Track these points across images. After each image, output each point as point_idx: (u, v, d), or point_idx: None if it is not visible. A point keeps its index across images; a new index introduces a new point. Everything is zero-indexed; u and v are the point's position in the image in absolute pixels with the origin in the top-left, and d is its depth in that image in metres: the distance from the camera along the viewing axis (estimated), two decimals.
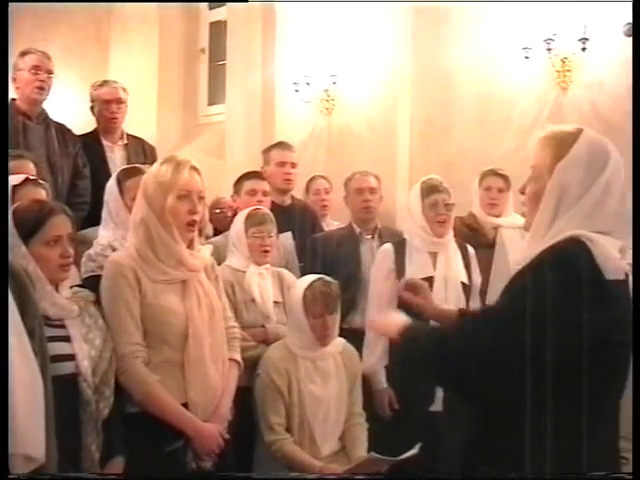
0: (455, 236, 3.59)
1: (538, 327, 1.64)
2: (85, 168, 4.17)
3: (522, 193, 1.94)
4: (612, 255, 1.71)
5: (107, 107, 4.33)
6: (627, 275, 1.78)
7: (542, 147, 1.87)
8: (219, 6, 7.01)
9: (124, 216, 2.90)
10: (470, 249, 3.62)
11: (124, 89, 4.43)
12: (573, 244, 1.71)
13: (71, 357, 2.32)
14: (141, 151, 4.41)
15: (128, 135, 4.45)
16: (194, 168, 2.63)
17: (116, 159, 4.28)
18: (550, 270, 1.67)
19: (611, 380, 1.76)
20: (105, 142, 4.34)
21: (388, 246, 3.58)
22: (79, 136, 4.41)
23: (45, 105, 4.20)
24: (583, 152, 1.81)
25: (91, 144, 4.31)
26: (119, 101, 4.37)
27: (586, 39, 4.44)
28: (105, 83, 4.43)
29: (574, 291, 1.65)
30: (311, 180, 4.88)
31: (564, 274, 1.66)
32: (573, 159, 1.80)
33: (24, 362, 1.83)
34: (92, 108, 4.41)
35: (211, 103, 7.12)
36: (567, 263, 1.68)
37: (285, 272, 3.46)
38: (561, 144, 1.83)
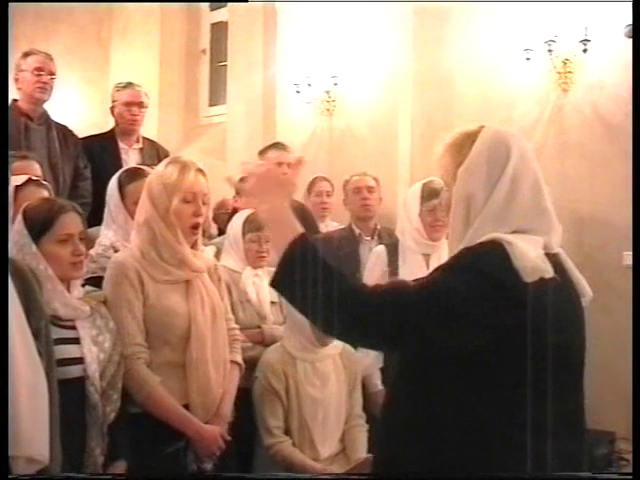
0: None
1: (447, 329, 1.59)
2: (86, 169, 4.16)
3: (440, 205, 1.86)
4: (530, 257, 1.63)
5: (129, 109, 4.32)
6: (556, 272, 1.70)
7: (443, 155, 1.81)
8: (220, 7, 7.01)
9: (123, 219, 2.90)
10: None
11: (146, 94, 4.45)
12: (490, 247, 1.64)
13: (79, 360, 2.31)
14: (155, 155, 4.39)
15: (144, 139, 4.46)
16: (200, 170, 2.62)
17: (130, 162, 4.26)
18: (465, 273, 1.61)
19: (548, 382, 1.65)
20: (121, 144, 4.34)
21: (381, 248, 3.58)
22: (95, 135, 4.42)
23: (46, 105, 4.19)
24: (482, 152, 1.72)
25: (106, 145, 4.32)
26: (141, 105, 4.38)
27: (587, 40, 4.44)
28: (129, 85, 4.43)
29: (489, 295, 1.58)
30: (313, 181, 4.88)
31: (479, 278, 1.60)
32: (472, 161, 1.73)
33: (28, 363, 1.83)
34: (112, 109, 4.40)
35: (212, 104, 7.12)
36: (482, 267, 1.61)
37: None
38: (460, 148, 1.76)
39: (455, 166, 1.76)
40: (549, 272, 1.65)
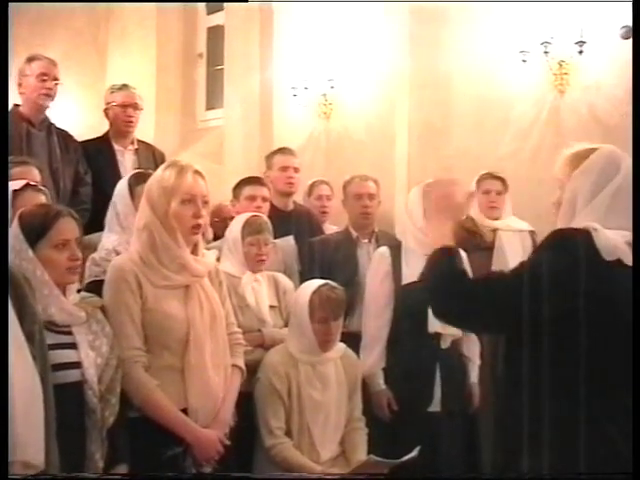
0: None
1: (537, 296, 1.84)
2: (87, 175, 4.16)
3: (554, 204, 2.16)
4: (611, 238, 1.87)
5: (124, 110, 4.32)
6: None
7: (565, 162, 2.09)
8: (217, 11, 7.02)
9: (132, 220, 2.90)
10: (462, 253, 3.62)
11: (140, 97, 4.45)
12: (576, 230, 1.90)
13: (77, 365, 2.32)
14: (151, 157, 4.41)
15: (139, 141, 4.46)
16: (198, 172, 2.63)
17: (126, 164, 4.28)
18: (549, 248, 1.89)
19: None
20: (116, 146, 4.34)
21: (384, 249, 3.59)
22: (90, 140, 4.42)
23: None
24: (597, 161, 2.02)
25: (102, 148, 4.32)
26: (136, 106, 4.38)
27: (583, 42, 4.45)
28: (124, 87, 4.43)
29: (572, 267, 1.83)
30: (313, 185, 4.87)
31: (564, 253, 1.86)
32: (588, 166, 2.02)
33: (22, 368, 1.83)
34: (106, 111, 4.39)
35: (209, 108, 7.12)
36: (567, 243, 1.87)
37: (280, 276, 3.45)
38: (580, 157, 2.05)
39: (572, 169, 2.05)
40: (628, 258, 1.89)
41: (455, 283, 2.04)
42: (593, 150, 2.06)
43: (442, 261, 2.11)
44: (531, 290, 1.86)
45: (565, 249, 1.88)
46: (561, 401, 1.84)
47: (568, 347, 1.85)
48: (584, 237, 1.88)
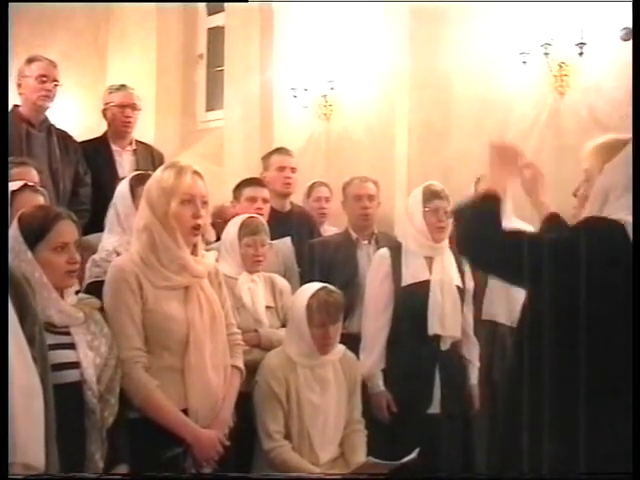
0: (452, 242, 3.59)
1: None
2: (86, 175, 4.16)
3: (575, 195, 2.15)
4: None
5: (122, 111, 4.32)
6: None
7: (594, 153, 2.06)
8: (217, 12, 7.02)
9: (133, 221, 2.89)
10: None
11: (139, 97, 4.45)
12: (612, 221, 1.86)
13: (76, 365, 2.33)
14: (150, 157, 4.41)
15: (137, 141, 4.46)
16: (197, 173, 2.64)
17: (125, 164, 4.28)
18: (585, 234, 1.85)
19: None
20: (114, 147, 4.34)
21: (384, 251, 3.60)
22: (88, 140, 4.42)
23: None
24: (630, 156, 1.93)
25: (100, 148, 4.32)
26: (134, 107, 4.38)
27: (583, 44, 4.45)
28: (122, 87, 4.43)
29: (601, 258, 1.80)
30: (312, 186, 4.87)
31: (596, 240, 1.82)
32: (620, 160, 1.94)
33: (23, 369, 1.83)
34: (104, 111, 4.39)
35: (209, 109, 7.12)
36: (599, 230, 1.84)
37: (276, 277, 3.46)
38: (611, 149, 2.00)
39: (602, 161, 2.00)
40: None
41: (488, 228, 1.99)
42: (623, 141, 2.00)
43: (487, 203, 2.04)
44: (551, 266, 1.85)
45: (598, 236, 1.84)
46: (563, 400, 1.83)
47: (572, 342, 1.84)
48: (618, 229, 1.85)
